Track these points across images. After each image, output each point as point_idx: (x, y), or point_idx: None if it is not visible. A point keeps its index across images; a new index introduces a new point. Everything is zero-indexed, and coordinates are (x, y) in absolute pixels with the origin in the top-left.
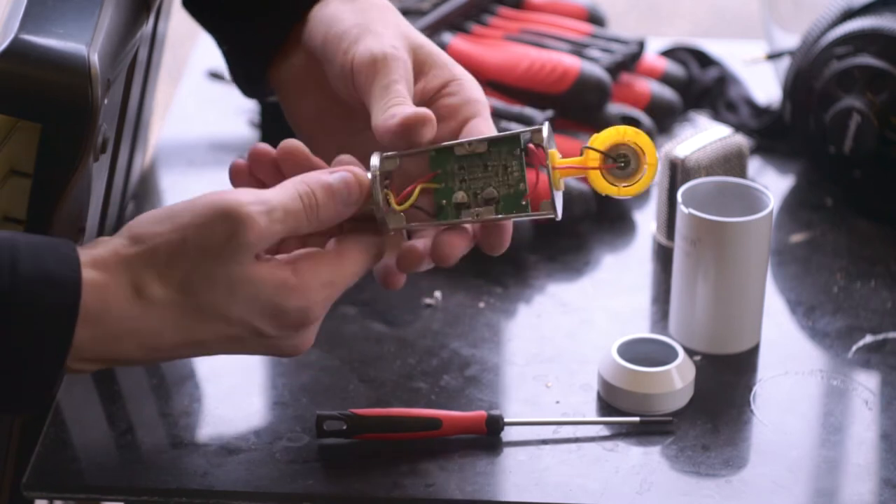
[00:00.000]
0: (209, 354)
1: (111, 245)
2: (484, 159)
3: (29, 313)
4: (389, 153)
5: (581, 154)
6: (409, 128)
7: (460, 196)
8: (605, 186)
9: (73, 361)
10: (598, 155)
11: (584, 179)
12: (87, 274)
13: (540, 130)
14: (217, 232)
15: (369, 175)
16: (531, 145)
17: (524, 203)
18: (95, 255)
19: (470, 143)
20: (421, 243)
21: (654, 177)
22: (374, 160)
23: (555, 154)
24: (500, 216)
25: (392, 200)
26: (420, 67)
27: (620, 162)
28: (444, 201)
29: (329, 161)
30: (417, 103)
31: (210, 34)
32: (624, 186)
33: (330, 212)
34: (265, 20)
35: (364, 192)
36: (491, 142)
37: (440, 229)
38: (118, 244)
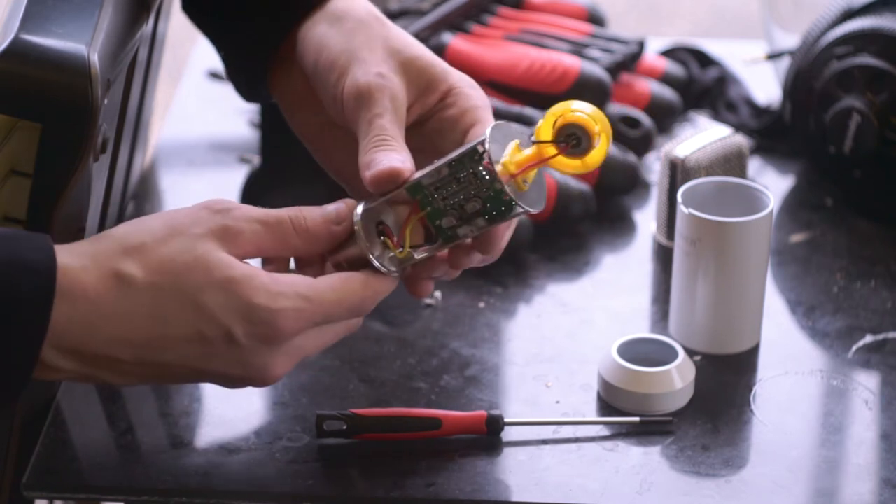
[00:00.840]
0: (176, 368)
1: (91, 239)
2: (453, 174)
3: (4, 299)
4: (369, 204)
5: (532, 144)
6: (380, 183)
7: (448, 220)
8: (568, 167)
9: (49, 349)
10: (551, 147)
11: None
12: (63, 258)
13: (483, 142)
14: (202, 216)
15: (355, 226)
16: (487, 164)
17: (507, 199)
18: (72, 246)
19: (431, 172)
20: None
21: (609, 139)
22: (357, 216)
23: (508, 164)
24: (492, 225)
25: (390, 245)
26: (416, 82)
27: (572, 142)
28: (439, 222)
29: (336, 171)
30: (417, 120)
31: (208, 39)
32: (587, 159)
33: (319, 225)
34: (262, 21)
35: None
36: (450, 164)
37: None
38: (98, 237)
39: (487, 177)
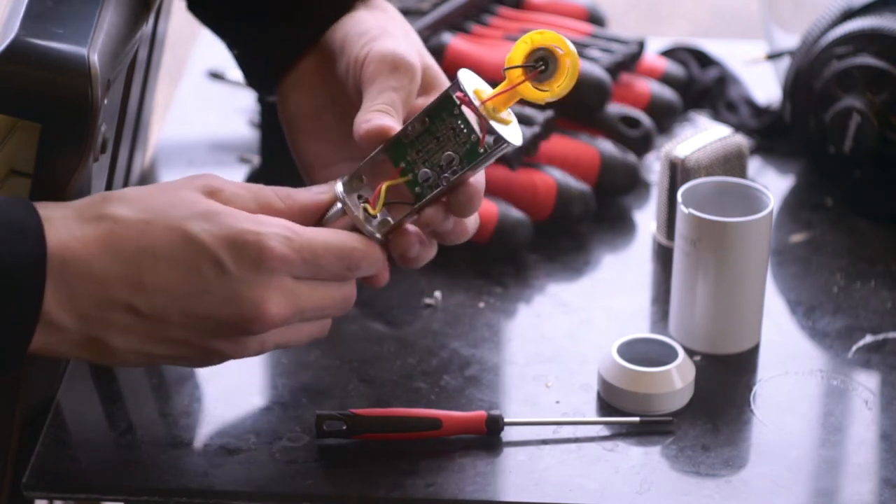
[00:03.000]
0: (172, 317)
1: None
2: (432, 133)
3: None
4: (349, 176)
5: (504, 79)
6: (369, 137)
7: (425, 173)
8: (539, 95)
9: (49, 299)
10: (519, 72)
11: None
12: (45, 212)
13: (457, 81)
14: (184, 180)
15: (338, 206)
16: (460, 95)
17: (482, 150)
18: (51, 203)
19: (411, 125)
20: (410, 227)
21: (577, 63)
22: (338, 187)
23: (480, 92)
24: (465, 170)
25: (370, 209)
26: (426, 86)
27: (540, 65)
28: (418, 188)
29: (309, 159)
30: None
31: (219, 37)
32: (557, 86)
33: (301, 191)
34: (289, 32)
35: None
36: (428, 115)
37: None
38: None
39: (464, 129)
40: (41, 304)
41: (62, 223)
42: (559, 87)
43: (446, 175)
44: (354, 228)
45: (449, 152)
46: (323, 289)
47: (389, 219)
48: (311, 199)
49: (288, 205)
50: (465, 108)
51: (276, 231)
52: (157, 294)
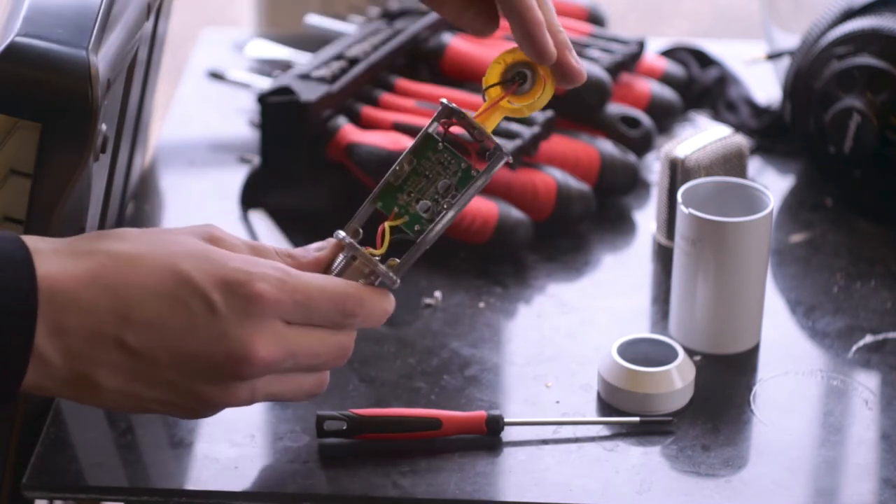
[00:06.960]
0: (160, 355)
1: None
2: (420, 173)
3: None
4: (347, 227)
5: (484, 100)
6: (566, 75)
7: (424, 204)
8: (522, 110)
9: (39, 330)
10: (499, 89)
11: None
12: (34, 244)
13: (446, 107)
14: (185, 227)
15: (340, 258)
16: (440, 130)
17: (475, 173)
18: (42, 238)
19: (399, 166)
20: None
21: (552, 75)
22: (346, 238)
23: (467, 113)
24: (466, 190)
25: (373, 251)
26: None
27: (519, 80)
28: (417, 226)
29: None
30: None
31: None
32: (537, 98)
33: (301, 250)
34: None
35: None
36: (414, 153)
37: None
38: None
39: (452, 160)
40: (34, 338)
41: (52, 256)
42: (542, 99)
43: (447, 199)
44: (362, 278)
45: (444, 180)
46: (316, 334)
47: (396, 259)
48: (310, 258)
49: (287, 262)
50: (447, 143)
51: (268, 273)
52: (145, 329)
